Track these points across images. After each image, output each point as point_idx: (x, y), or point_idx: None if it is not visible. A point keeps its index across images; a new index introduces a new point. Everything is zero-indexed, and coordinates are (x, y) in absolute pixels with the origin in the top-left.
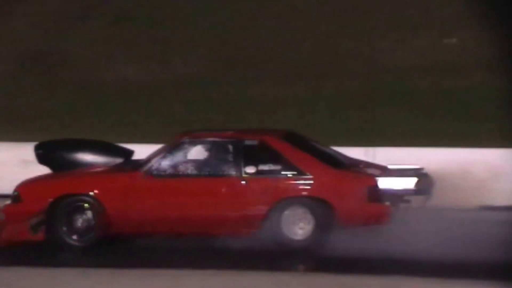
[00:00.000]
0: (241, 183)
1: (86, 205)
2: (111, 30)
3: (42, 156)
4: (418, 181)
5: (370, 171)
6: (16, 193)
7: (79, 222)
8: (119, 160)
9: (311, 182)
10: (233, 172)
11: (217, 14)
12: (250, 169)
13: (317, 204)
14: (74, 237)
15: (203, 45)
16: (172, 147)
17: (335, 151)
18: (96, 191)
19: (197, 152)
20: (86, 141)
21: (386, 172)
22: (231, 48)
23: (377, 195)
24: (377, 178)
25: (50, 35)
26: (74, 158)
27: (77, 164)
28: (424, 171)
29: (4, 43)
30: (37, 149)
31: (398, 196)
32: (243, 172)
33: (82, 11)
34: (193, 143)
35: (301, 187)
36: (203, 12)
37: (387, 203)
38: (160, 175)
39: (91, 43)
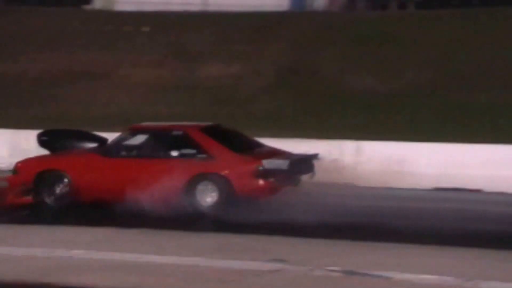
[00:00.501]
0: (167, 163)
1: (60, 177)
2: (352, 48)
3: (43, 142)
4: (289, 163)
5: (267, 155)
6: (14, 167)
7: (56, 190)
8: (93, 145)
9: (216, 163)
10: (162, 154)
11: (438, 32)
12: (174, 153)
13: (219, 180)
14: (52, 200)
15: (429, 58)
16: (122, 136)
17: (256, 142)
18: (66, 168)
19: (140, 140)
20: (75, 131)
21: (275, 156)
22: (453, 61)
23: (261, 173)
24: (263, 160)
25: (303, 53)
26: (64, 144)
27: (66, 148)
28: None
29: (266, 60)
30: (40, 136)
31: (276, 173)
32: (169, 155)
33: (329, 33)
34: (137, 133)
35: (208, 166)
36: (427, 33)
37: (271, 179)
38: (112, 156)
39: (336, 59)
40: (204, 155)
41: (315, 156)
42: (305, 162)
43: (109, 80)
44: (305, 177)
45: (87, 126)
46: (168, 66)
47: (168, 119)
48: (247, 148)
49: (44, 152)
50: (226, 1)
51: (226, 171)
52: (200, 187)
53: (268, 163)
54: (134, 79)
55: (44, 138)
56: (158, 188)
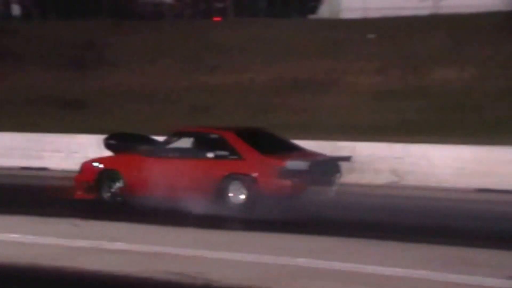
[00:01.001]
0: (204, 163)
1: (116, 176)
2: None
3: (109, 145)
4: (310, 165)
5: (294, 157)
6: (80, 167)
7: (113, 187)
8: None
9: (245, 164)
10: (200, 155)
11: None
12: (210, 154)
13: (247, 179)
14: (110, 196)
15: None
16: (168, 138)
17: (293, 145)
18: (121, 167)
19: (184, 142)
20: (137, 135)
21: (301, 158)
22: None
23: (285, 173)
24: (286, 161)
25: None
26: (125, 146)
27: (129, 150)
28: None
29: (501, 64)
30: (106, 139)
31: (298, 173)
32: (206, 156)
33: None
34: (182, 135)
35: (238, 167)
36: None
37: (295, 179)
38: (156, 156)
39: None
40: (236, 157)
41: (345, 159)
42: (331, 164)
43: (334, 88)
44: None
45: (311, 134)
46: (394, 73)
47: (395, 126)
48: (280, 150)
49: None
50: (459, 2)
51: (253, 171)
52: (231, 187)
53: (290, 164)
54: (360, 87)
55: (111, 141)
56: (196, 185)
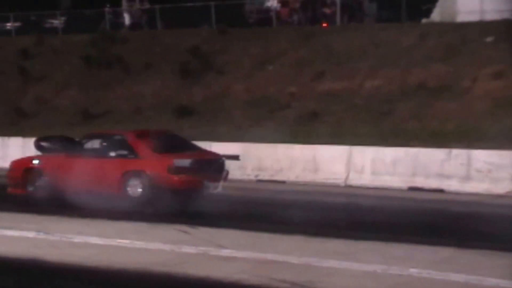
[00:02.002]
0: (107, 161)
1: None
2: None
3: (38, 146)
4: (192, 162)
5: (183, 155)
6: (9, 165)
7: (37, 182)
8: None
9: (141, 161)
10: (106, 154)
11: None
12: (113, 153)
13: (142, 175)
14: (34, 191)
15: None
16: (82, 140)
17: (193, 145)
18: (42, 165)
19: (93, 144)
20: (65, 137)
21: (186, 156)
22: None
23: (173, 169)
24: (174, 159)
25: None
26: (50, 147)
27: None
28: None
29: None
30: (37, 141)
31: (184, 170)
32: (109, 155)
33: None
34: (92, 137)
35: (136, 164)
36: None
37: (182, 175)
38: (71, 156)
39: None
40: (134, 155)
41: (233, 157)
42: (216, 163)
43: (447, 94)
44: None
45: (424, 141)
46: None
47: None
48: (175, 150)
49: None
50: None
51: (147, 168)
52: (130, 182)
53: (177, 162)
54: (476, 92)
55: (41, 143)
56: (99, 182)
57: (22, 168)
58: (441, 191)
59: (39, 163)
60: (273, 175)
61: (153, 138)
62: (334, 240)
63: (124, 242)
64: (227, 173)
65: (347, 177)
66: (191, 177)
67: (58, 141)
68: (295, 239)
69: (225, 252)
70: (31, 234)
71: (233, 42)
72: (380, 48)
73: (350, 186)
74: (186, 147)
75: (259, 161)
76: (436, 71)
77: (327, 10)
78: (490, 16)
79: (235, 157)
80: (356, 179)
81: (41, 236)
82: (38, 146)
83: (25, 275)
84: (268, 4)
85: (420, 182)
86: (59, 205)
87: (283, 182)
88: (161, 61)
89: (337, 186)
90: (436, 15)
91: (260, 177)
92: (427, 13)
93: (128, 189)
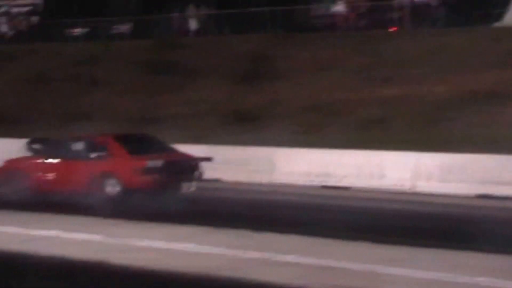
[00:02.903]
0: (86, 162)
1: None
2: None
3: (29, 148)
4: (163, 163)
5: (158, 157)
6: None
7: (22, 182)
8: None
9: (116, 163)
10: (84, 156)
11: None
12: (92, 154)
13: (117, 175)
14: (20, 191)
15: None
16: (63, 143)
17: (168, 147)
18: (25, 166)
19: (75, 146)
20: (49, 140)
21: (158, 158)
22: None
23: (145, 170)
24: (147, 160)
25: None
26: (40, 149)
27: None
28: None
29: None
30: (28, 144)
31: (156, 170)
32: (88, 156)
33: None
34: (73, 140)
35: (110, 165)
36: None
37: (154, 176)
38: (54, 157)
39: None
40: (109, 157)
41: (205, 159)
42: (187, 164)
43: None
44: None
45: (492, 147)
46: None
47: None
48: (150, 152)
49: None
50: None
51: (122, 169)
52: (107, 182)
53: (150, 163)
54: None
55: (31, 145)
56: (79, 182)
57: (8, 168)
58: None
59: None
60: (338, 181)
61: (130, 141)
62: (398, 247)
63: (188, 246)
64: (201, 174)
65: (413, 184)
66: (164, 177)
67: (47, 143)
68: (358, 245)
69: (287, 258)
70: (96, 238)
71: (298, 47)
72: (449, 53)
73: (417, 193)
74: (161, 149)
75: (324, 167)
76: (507, 77)
77: (395, 15)
78: None
79: (208, 159)
80: (423, 186)
81: (107, 239)
82: (29, 148)
83: (91, 278)
84: (334, 8)
85: (489, 189)
86: (38, 203)
87: (348, 188)
88: (223, 66)
89: (403, 193)
90: (508, 19)
91: (325, 183)
92: (498, 17)
93: (106, 188)
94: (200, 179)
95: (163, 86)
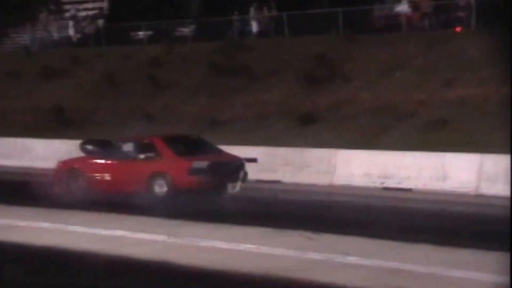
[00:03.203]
0: (137, 163)
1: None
2: None
3: (83, 149)
4: (208, 164)
5: (204, 158)
6: (55, 165)
7: (79, 182)
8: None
9: (165, 164)
10: (134, 157)
11: None
12: (141, 155)
13: (166, 176)
14: (78, 190)
15: None
16: (115, 144)
17: (215, 148)
18: (82, 166)
19: (126, 147)
20: (107, 141)
21: (204, 159)
22: None
23: (192, 171)
24: (194, 161)
25: None
26: (93, 150)
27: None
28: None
29: None
30: (82, 144)
31: (202, 171)
32: (138, 157)
33: None
34: (124, 142)
35: (161, 166)
36: None
37: (200, 176)
38: (107, 158)
39: None
40: (160, 158)
41: (250, 160)
42: (233, 165)
43: None
44: None
45: None
46: None
47: None
48: (197, 153)
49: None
50: None
51: (170, 170)
52: (156, 182)
53: (196, 164)
54: None
55: (85, 146)
56: (130, 182)
57: (66, 168)
58: None
59: (79, 164)
60: (400, 183)
61: (178, 142)
62: (463, 250)
63: (250, 247)
64: (246, 174)
65: (477, 186)
66: (209, 178)
67: (100, 144)
68: (422, 248)
69: (350, 259)
70: (161, 238)
71: (360, 49)
72: None
73: (481, 195)
74: (208, 151)
75: (385, 168)
76: None
77: (461, 14)
78: None
79: (253, 160)
80: (488, 188)
81: (170, 239)
82: (83, 149)
83: (155, 277)
84: (398, 9)
85: None
86: (95, 203)
87: (409, 190)
88: (286, 68)
89: (466, 195)
90: None
91: (386, 185)
92: None
93: (154, 188)
94: (245, 179)
95: (228, 88)
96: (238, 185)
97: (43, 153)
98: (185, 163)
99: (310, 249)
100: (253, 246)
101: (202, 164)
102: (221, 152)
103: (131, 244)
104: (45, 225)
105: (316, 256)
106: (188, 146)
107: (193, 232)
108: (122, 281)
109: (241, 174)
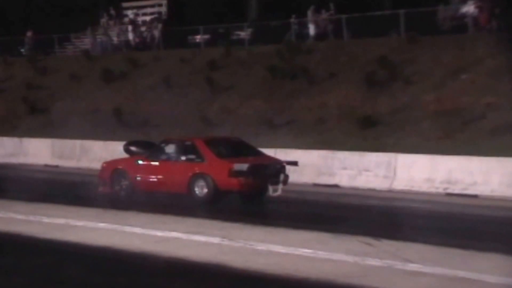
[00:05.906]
0: (179, 164)
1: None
2: None
3: (126, 150)
4: (249, 166)
5: (244, 160)
6: (101, 166)
7: (123, 182)
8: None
9: (206, 165)
10: (176, 158)
11: None
12: (183, 157)
13: (207, 178)
14: (122, 191)
15: None
16: (157, 145)
17: (255, 150)
18: (126, 167)
19: (168, 148)
20: (149, 142)
21: (245, 161)
22: None
23: (233, 173)
24: (235, 164)
25: None
26: (136, 151)
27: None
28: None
29: None
30: (126, 145)
31: (242, 173)
32: (180, 159)
33: None
34: (168, 143)
35: (202, 167)
36: None
37: (241, 178)
38: (149, 159)
39: None
40: (201, 159)
41: (291, 163)
42: (273, 167)
43: None
44: None
45: None
46: None
47: None
48: (238, 155)
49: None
50: None
51: (211, 172)
52: (196, 183)
53: (236, 166)
54: None
55: (128, 147)
56: (172, 183)
57: (110, 169)
58: None
59: (123, 165)
60: (465, 189)
61: (219, 144)
62: None
63: (307, 251)
64: (287, 177)
65: None
66: (250, 180)
67: (143, 145)
68: (490, 257)
69: (412, 267)
70: (216, 240)
71: (423, 51)
72: None
73: None
74: (250, 153)
75: (449, 173)
76: None
77: None
78: None
79: (294, 163)
80: None
81: (226, 242)
82: (126, 150)
83: (211, 279)
84: (464, 10)
85: None
86: (138, 202)
87: (475, 196)
88: (346, 71)
89: None
90: None
91: (449, 191)
92: None
93: (196, 190)
94: (286, 183)
95: (285, 91)
96: (279, 188)
97: (100, 155)
98: (226, 165)
99: (369, 255)
100: (310, 250)
101: (243, 166)
102: (262, 154)
103: (186, 246)
104: (102, 225)
105: (376, 262)
106: (229, 148)
107: (248, 235)
108: (179, 283)
109: (282, 177)
